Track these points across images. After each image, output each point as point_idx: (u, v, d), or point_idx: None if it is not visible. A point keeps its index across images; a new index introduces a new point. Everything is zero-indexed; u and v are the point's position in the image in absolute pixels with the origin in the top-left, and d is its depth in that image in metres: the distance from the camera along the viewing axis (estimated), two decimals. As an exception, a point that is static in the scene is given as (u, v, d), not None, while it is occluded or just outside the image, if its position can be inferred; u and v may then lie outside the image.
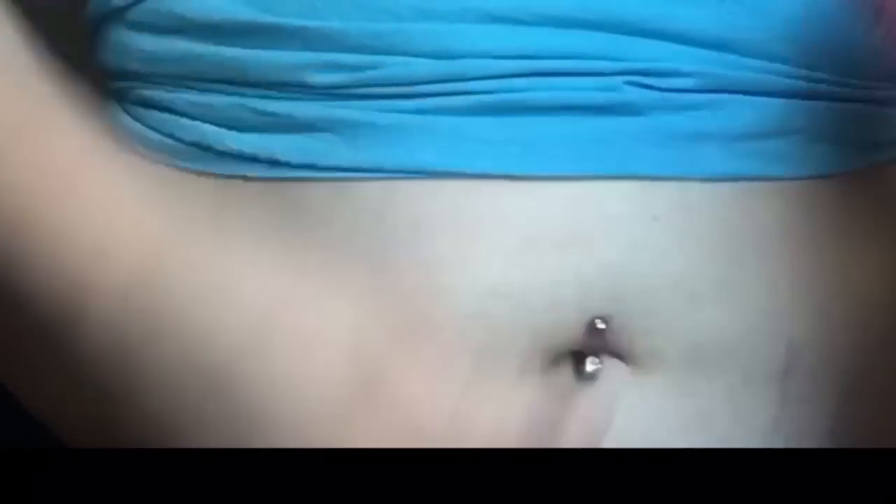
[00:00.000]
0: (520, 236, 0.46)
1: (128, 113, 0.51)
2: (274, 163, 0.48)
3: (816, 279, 0.48)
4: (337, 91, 0.47)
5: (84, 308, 0.42)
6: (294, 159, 0.48)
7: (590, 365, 0.47)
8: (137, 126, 0.51)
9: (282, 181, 0.48)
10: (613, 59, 0.47)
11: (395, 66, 0.47)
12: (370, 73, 0.47)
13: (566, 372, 0.47)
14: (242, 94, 0.49)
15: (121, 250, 0.43)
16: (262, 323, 0.44)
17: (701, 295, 0.47)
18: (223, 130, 0.48)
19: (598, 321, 0.47)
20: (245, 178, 0.48)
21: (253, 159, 0.48)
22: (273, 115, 0.48)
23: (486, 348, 0.46)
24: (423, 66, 0.47)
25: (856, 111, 0.50)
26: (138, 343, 0.42)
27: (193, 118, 0.49)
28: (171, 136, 0.49)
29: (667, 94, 0.47)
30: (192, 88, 0.50)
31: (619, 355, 0.47)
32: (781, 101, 0.49)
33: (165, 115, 0.50)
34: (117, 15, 0.52)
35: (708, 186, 0.47)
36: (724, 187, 0.47)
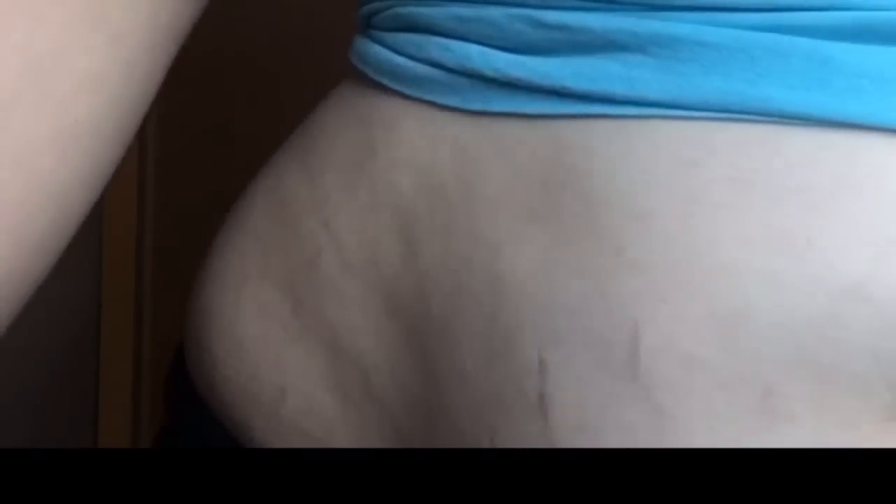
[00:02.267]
0: None
1: (377, 42, 0.40)
2: (558, 93, 0.35)
3: None
4: None
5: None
6: (588, 88, 0.35)
7: None
8: (386, 54, 0.39)
9: (561, 119, 0.35)
10: None
11: None
12: None
13: None
14: (523, 4, 0.36)
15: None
16: (516, 306, 0.35)
17: None
18: (493, 51, 0.36)
19: None
20: (515, 114, 0.36)
21: (530, 88, 0.36)
22: (563, 28, 0.35)
23: (827, 375, 0.32)
24: None
25: None
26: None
27: (459, 37, 0.37)
28: (428, 61, 0.38)
29: None
30: (461, 0, 0.37)
31: None
32: None
33: (424, 38, 0.38)
34: None
35: None
36: None
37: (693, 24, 0.34)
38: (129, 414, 1.14)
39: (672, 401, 0.33)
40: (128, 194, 1.13)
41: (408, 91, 0.39)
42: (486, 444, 0.36)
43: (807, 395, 0.32)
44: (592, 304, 0.34)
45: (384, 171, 0.39)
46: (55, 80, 0.34)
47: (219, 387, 0.44)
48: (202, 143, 1.13)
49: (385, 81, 0.39)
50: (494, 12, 0.36)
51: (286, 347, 0.42)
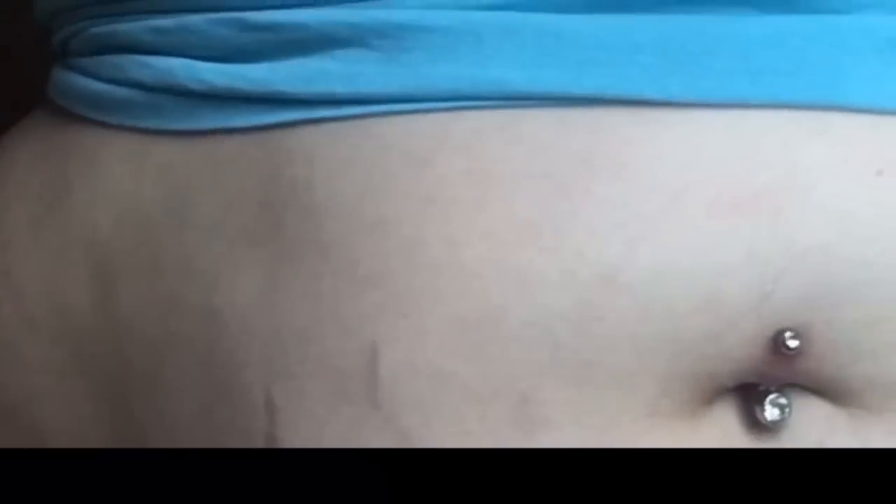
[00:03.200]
0: (652, 193, 0.30)
1: (74, 69, 0.36)
2: (274, 101, 0.32)
3: None
4: None
5: None
6: (305, 91, 0.31)
7: (771, 408, 0.31)
8: (83, 82, 0.35)
9: (279, 129, 0.32)
10: None
11: None
12: None
13: (729, 415, 0.31)
14: (223, 6, 0.33)
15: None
16: (237, 343, 0.32)
17: None
18: (198, 62, 0.33)
19: (788, 336, 0.30)
20: (229, 130, 0.33)
21: (242, 99, 0.32)
22: (273, 28, 0.32)
23: (586, 373, 0.30)
24: None
25: None
26: None
27: (160, 52, 0.34)
28: (127, 83, 0.34)
29: None
30: (159, 11, 0.34)
31: (818, 389, 0.31)
32: None
33: (124, 58, 0.34)
34: None
35: None
36: None
37: (416, 9, 0.31)
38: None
39: (419, 423, 0.30)
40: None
41: (108, 119, 0.35)
42: None
43: (565, 398, 0.30)
44: (324, 329, 0.30)
45: (80, 209, 0.35)
46: None
47: None
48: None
49: (83, 111, 0.35)
50: (195, 19, 0.33)
51: None
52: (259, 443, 0.31)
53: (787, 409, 0.30)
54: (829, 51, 0.30)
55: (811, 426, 0.31)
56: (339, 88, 0.31)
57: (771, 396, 0.30)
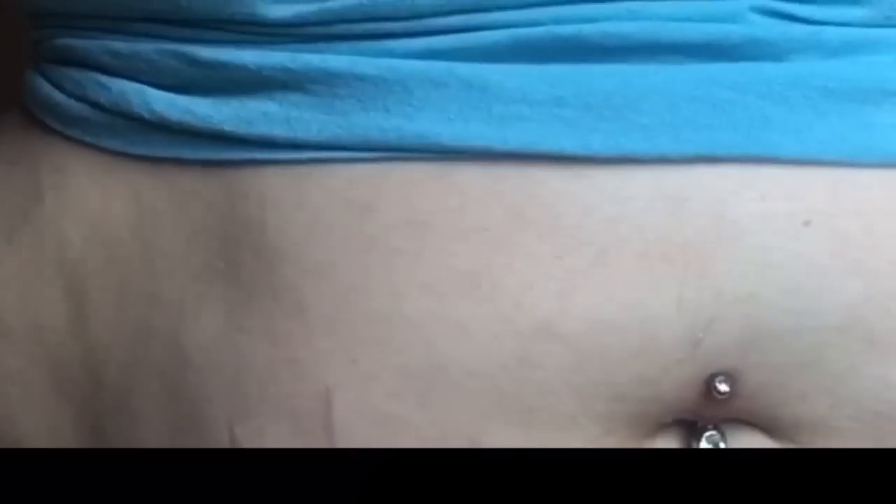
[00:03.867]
0: (582, 247, 0.30)
1: (43, 75, 0.36)
2: (217, 137, 0.32)
3: None
4: (302, 29, 0.31)
5: None
6: (247, 132, 0.32)
7: (707, 444, 0.32)
8: (48, 90, 0.35)
9: (232, 166, 0.32)
10: None
11: None
12: (349, 2, 0.30)
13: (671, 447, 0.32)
14: (173, 38, 0.33)
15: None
16: (202, 378, 0.33)
17: (887, 338, 0.31)
18: (150, 90, 0.33)
19: (718, 380, 0.31)
20: (177, 160, 0.33)
21: (187, 132, 0.33)
22: (218, 66, 0.32)
23: (530, 418, 0.31)
24: None
25: None
26: None
27: (117, 74, 0.34)
28: (85, 99, 0.34)
29: (820, 29, 0.30)
30: (118, 32, 0.34)
31: (755, 424, 0.32)
32: None
33: (81, 73, 0.34)
34: None
35: (882, 175, 0.31)
36: None
37: (348, 55, 0.31)
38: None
39: None
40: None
41: (70, 132, 0.35)
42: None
43: (510, 440, 0.31)
44: (281, 371, 0.31)
45: (52, 221, 0.35)
46: None
47: None
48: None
49: (48, 121, 0.35)
50: (147, 47, 0.33)
51: None
52: None
53: (721, 445, 0.31)
54: (756, 102, 0.30)
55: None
56: (278, 132, 0.31)
57: (707, 433, 0.31)
